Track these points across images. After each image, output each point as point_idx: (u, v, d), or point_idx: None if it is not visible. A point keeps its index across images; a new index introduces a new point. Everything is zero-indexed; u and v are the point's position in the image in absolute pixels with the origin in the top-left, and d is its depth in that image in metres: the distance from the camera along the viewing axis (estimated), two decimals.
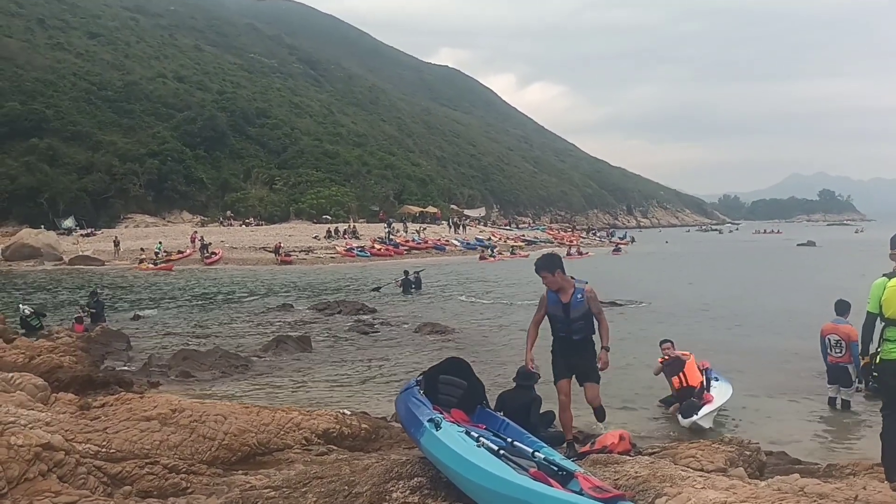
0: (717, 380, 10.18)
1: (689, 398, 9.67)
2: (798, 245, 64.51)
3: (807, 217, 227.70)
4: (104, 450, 5.91)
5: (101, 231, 54.80)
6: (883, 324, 5.73)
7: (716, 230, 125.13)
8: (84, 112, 69.06)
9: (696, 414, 9.22)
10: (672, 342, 10.61)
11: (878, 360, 5.79)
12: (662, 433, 9.16)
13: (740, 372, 11.68)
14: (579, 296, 6.66)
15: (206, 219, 64.26)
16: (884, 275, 5.78)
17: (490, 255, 50.24)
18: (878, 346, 5.80)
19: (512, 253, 54.05)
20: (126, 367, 12.88)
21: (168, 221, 63.64)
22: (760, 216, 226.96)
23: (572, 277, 6.81)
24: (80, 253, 43.98)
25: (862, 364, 6.09)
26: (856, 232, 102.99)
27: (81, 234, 52.95)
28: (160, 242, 44.17)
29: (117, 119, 71.25)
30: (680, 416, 9.49)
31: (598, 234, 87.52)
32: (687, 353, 10.50)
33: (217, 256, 43.34)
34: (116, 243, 45.31)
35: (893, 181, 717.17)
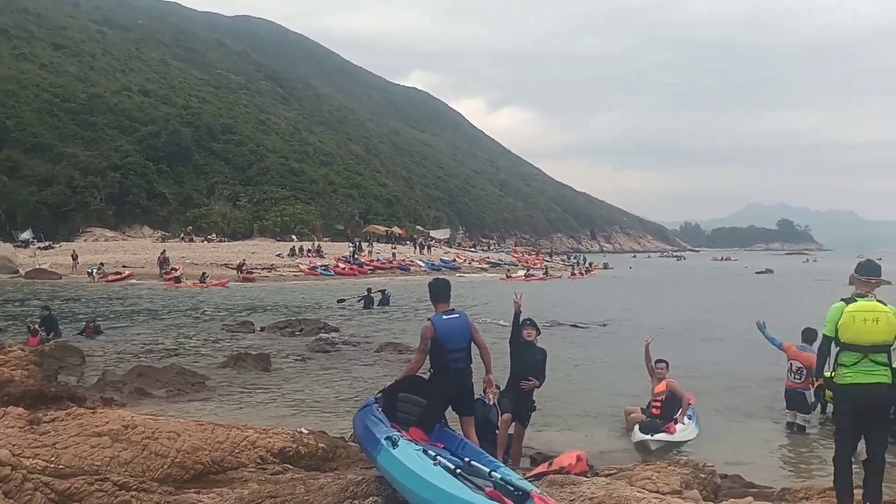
0: (690, 418, 10.20)
1: (648, 413, 9.95)
2: (757, 273, 66.02)
3: (766, 246, 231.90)
4: (53, 465, 5.77)
5: (59, 244, 53.74)
6: (838, 348, 5.79)
7: (674, 257, 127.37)
8: (46, 124, 67.88)
9: (651, 435, 9.37)
10: (667, 362, 10.45)
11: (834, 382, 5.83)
12: (619, 455, 9.20)
13: (698, 393, 11.79)
14: None
15: (167, 234, 63.33)
16: (842, 300, 5.86)
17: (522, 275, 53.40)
18: (833, 369, 5.87)
19: (546, 273, 57.04)
20: (79, 383, 12.59)
21: (128, 236, 62.64)
22: (720, 244, 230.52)
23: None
24: (38, 266, 43.01)
25: (815, 386, 6.19)
26: (804, 262, 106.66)
27: (39, 247, 51.86)
28: (101, 263, 42.96)
29: (80, 131, 70.13)
30: (637, 428, 9.66)
31: (561, 258, 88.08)
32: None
33: (177, 273, 42.72)
34: (75, 257, 44.55)
35: (849, 212, 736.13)
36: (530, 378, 7.90)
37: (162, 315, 25.62)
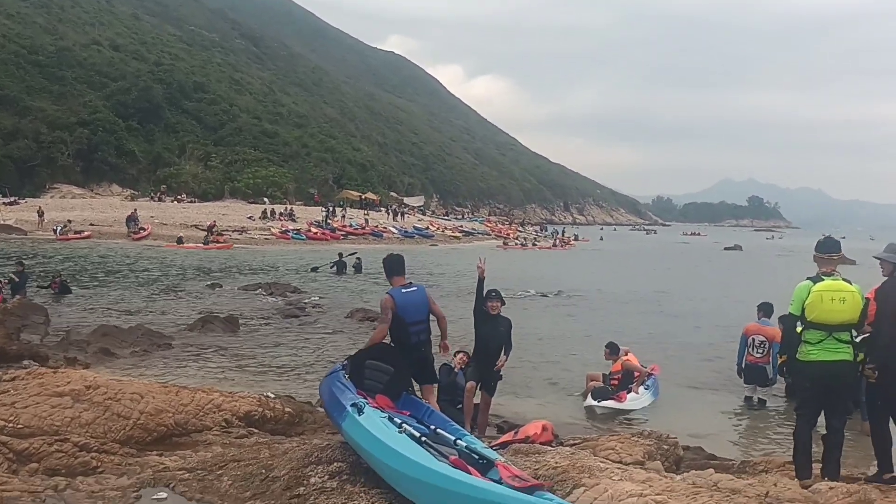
0: (647, 388, 10.40)
1: (606, 386, 10.24)
2: (725, 248, 66.81)
3: (736, 222, 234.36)
4: (11, 425, 5.66)
5: (24, 200, 52.63)
6: (803, 326, 5.84)
7: (643, 230, 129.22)
8: (12, 76, 65.94)
9: (598, 401, 9.77)
10: (611, 347, 10.80)
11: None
12: (585, 425, 9.31)
13: (663, 366, 11.96)
14: None
15: (136, 193, 62.29)
16: (808, 278, 5.88)
17: (519, 244, 58.48)
18: (797, 346, 5.91)
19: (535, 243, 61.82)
20: (42, 342, 12.39)
21: (96, 194, 61.49)
22: (691, 219, 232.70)
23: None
24: (2, 221, 42.19)
25: (780, 362, 6.25)
26: (768, 238, 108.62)
27: (4, 203, 50.77)
28: (69, 220, 42.14)
29: (47, 85, 68.28)
30: (590, 395, 9.97)
31: (534, 229, 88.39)
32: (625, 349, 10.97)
33: (146, 232, 42.20)
34: (41, 213, 43.68)
35: (818, 191, 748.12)
36: (500, 352, 7.91)
37: (131, 275, 25.30)
